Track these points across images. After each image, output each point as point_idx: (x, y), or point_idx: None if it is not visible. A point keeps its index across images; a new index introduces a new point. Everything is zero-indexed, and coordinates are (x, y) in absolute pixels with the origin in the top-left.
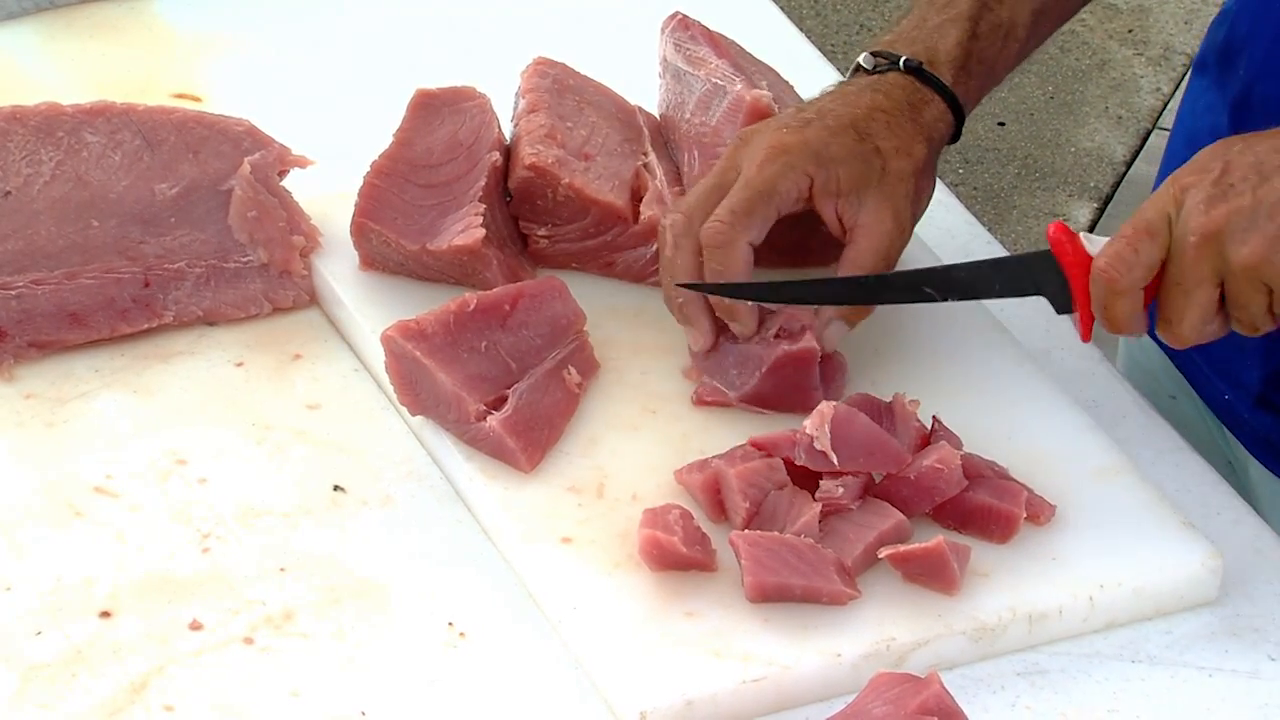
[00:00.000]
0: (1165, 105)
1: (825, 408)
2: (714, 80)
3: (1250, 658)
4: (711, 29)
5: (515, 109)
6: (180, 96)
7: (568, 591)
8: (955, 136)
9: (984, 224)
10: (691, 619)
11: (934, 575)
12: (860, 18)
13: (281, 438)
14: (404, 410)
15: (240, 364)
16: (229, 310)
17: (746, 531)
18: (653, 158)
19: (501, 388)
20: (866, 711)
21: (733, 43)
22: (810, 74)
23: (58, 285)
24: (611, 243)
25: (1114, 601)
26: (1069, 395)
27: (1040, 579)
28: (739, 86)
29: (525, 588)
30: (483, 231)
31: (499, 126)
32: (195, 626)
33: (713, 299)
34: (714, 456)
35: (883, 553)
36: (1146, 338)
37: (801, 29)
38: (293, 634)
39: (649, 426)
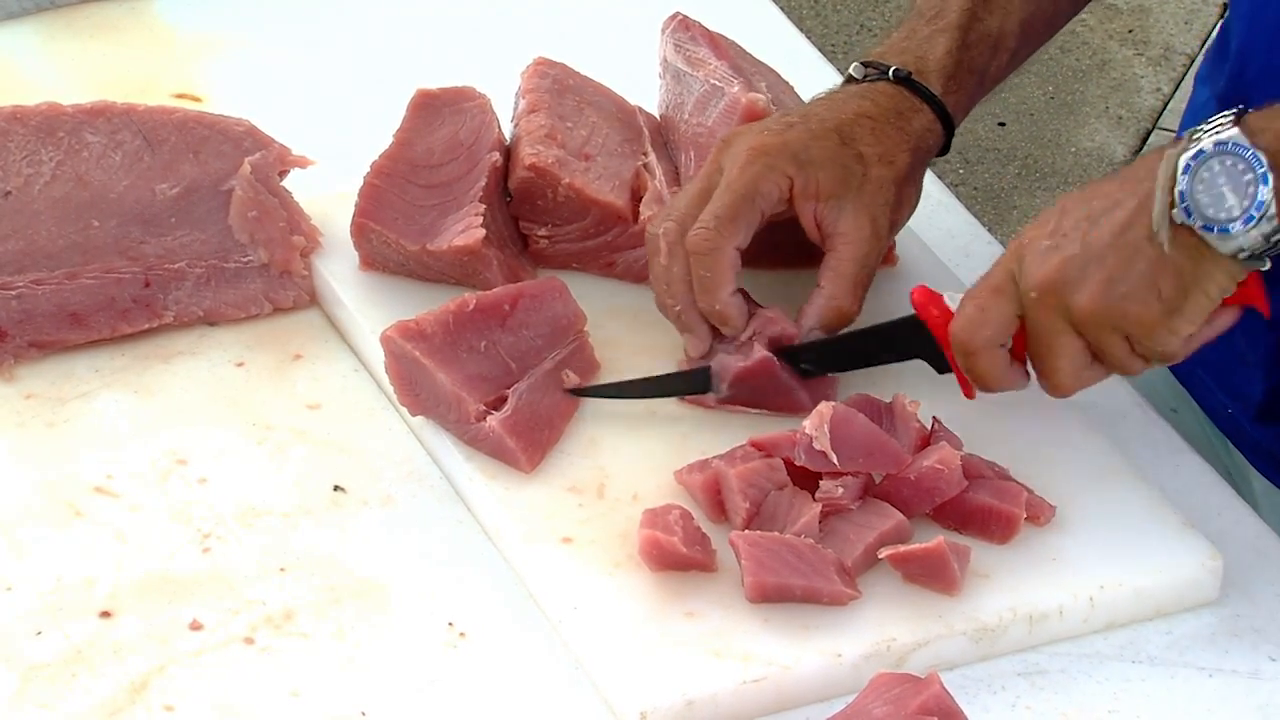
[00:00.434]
0: (1165, 105)
1: (825, 408)
2: (713, 81)
3: (1250, 658)
4: (711, 30)
5: (515, 109)
6: (181, 96)
7: (568, 591)
8: (945, 148)
9: (984, 224)
10: (692, 619)
11: (934, 576)
12: (860, 18)
13: (282, 438)
14: (404, 410)
15: (241, 364)
16: (229, 310)
17: (747, 532)
18: (652, 158)
19: (501, 388)
20: (867, 712)
21: (733, 43)
22: (810, 74)
23: (58, 285)
24: (611, 243)
25: (1114, 602)
26: (1066, 396)
27: (1040, 579)
28: (736, 88)
29: (525, 588)
30: (483, 232)
31: (499, 127)
32: (195, 626)
33: (700, 304)
34: (714, 457)
35: (883, 553)
36: None
37: (801, 29)
38: (293, 634)
39: (649, 426)
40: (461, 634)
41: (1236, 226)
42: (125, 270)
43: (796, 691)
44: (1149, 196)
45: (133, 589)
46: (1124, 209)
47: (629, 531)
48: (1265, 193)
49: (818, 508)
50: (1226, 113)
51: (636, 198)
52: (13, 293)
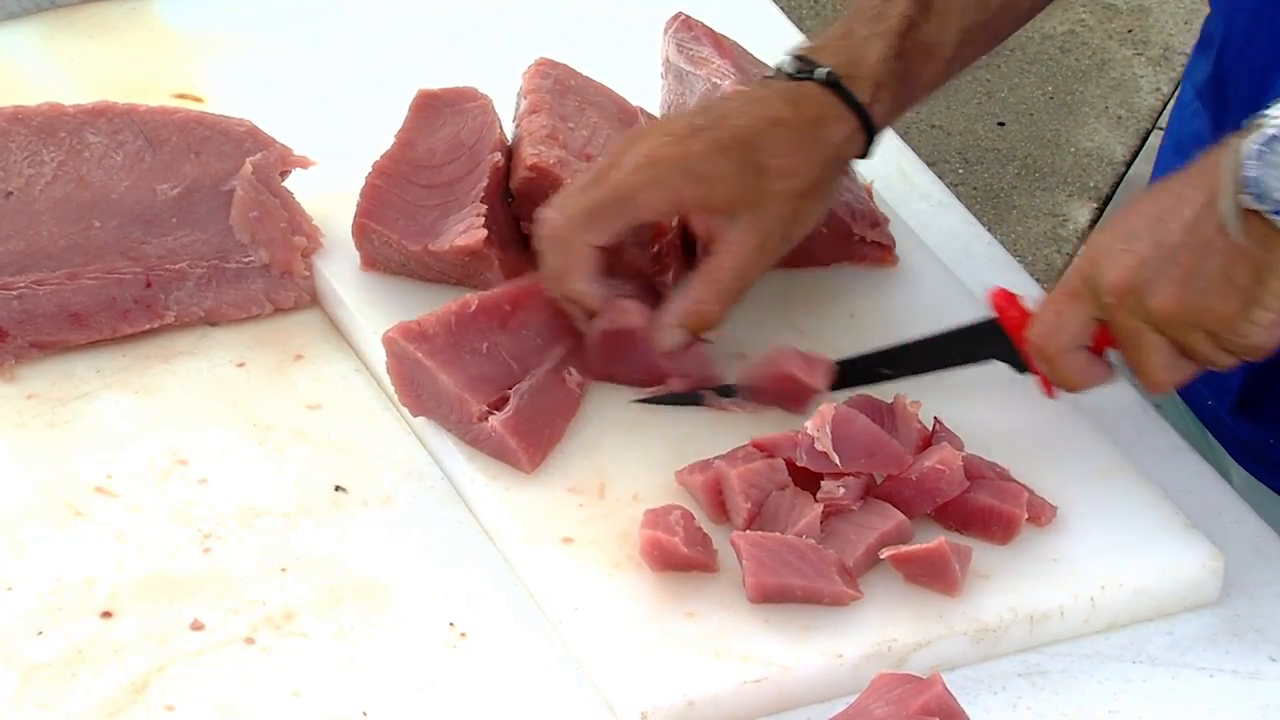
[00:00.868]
0: (1165, 105)
1: (826, 409)
2: (715, 81)
3: (1251, 658)
4: (714, 30)
5: (517, 110)
6: (182, 97)
7: (569, 592)
8: (863, 154)
9: (984, 224)
10: (692, 619)
11: (935, 576)
12: None
13: (282, 438)
14: (405, 411)
15: (241, 364)
16: (230, 310)
17: (748, 532)
18: None
19: (503, 388)
20: (868, 712)
21: (735, 43)
22: None
23: (59, 285)
24: None
25: (1115, 602)
26: (1069, 397)
27: (1041, 580)
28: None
29: (526, 588)
30: (484, 232)
31: (501, 127)
32: (196, 626)
33: (549, 288)
34: (715, 457)
35: (884, 553)
36: None
37: (801, 29)
38: (293, 634)
39: (650, 427)
40: (462, 634)
41: None
42: (126, 270)
43: (797, 692)
44: (1216, 190)
45: (133, 589)
46: (1191, 205)
47: (630, 532)
48: None
49: (819, 508)
50: None
51: None
52: (14, 293)
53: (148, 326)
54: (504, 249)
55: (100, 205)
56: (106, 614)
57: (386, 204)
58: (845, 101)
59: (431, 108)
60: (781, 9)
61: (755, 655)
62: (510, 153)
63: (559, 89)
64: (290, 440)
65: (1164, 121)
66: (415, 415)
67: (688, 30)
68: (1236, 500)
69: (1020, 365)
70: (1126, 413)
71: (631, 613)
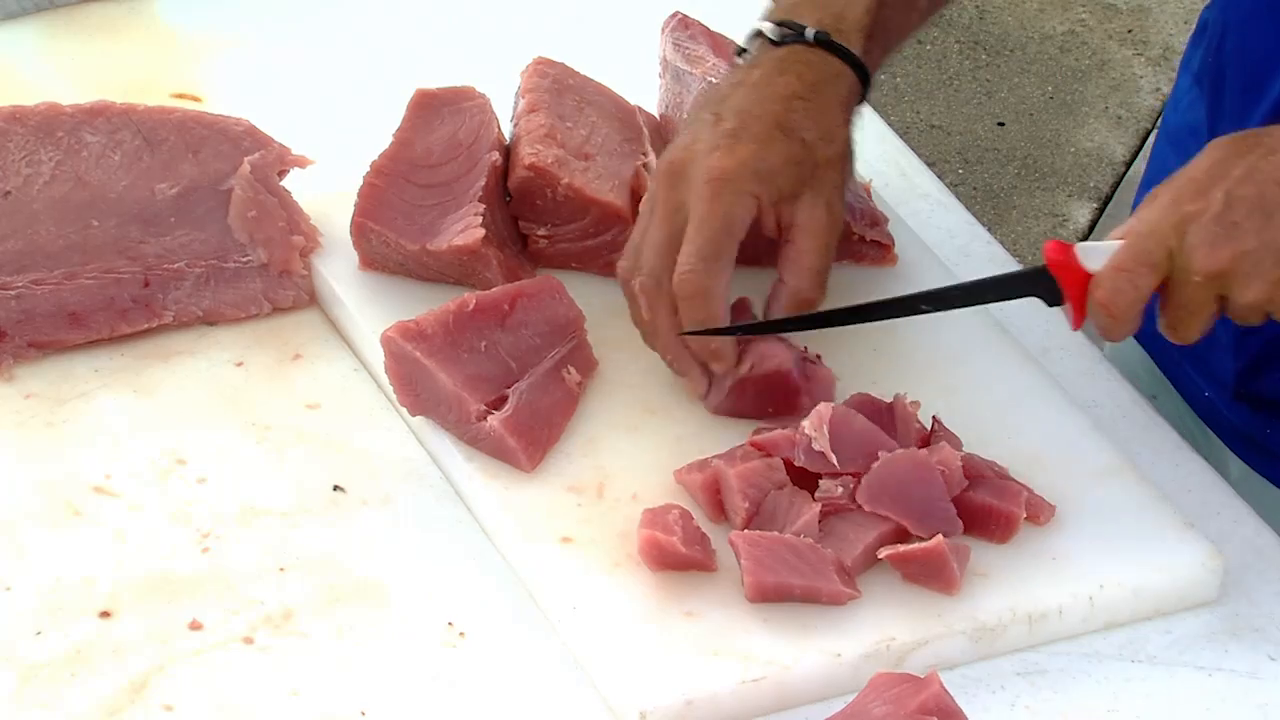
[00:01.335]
0: (1165, 105)
1: (824, 408)
2: (712, 80)
3: (1250, 658)
4: (711, 29)
5: (515, 109)
6: (180, 96)
7: (568, 591)
8: (863, 99)
9: (984, 224)
10: (691, 619)
11: (934, 575)
12: None
13: (281, 437)
14: (403, 410)
15: (240, 364)
16: (229, 310)
17: (746, 531)
18: (652, 158)
19: (501, 387)
20: (866, 711)
21: (733, 43)
22: None
23: (57, 285)
24: (611, 242)
25: (1114, 601)
26: (1069, 395)
27: (1040, 579)
28: None
29: (525, 587)
30: (482, 231)
31: (499, 126)
32: (195, 626)
33: (692, 344)
34: (714, 456)
35: (883, 553)
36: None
37: None
38: (292, 633)
39: (649, 426)
40: (461, 634)
41: None
42: (124, 270)
43: (796, 691)
44: None
45: (132, 589)
46: None
47: (629, 531)
48: None
49: (817, 507)
50: None
51: (636, 197)
52: (12, 293)
53: (146, 326)
54: (502, 248)
55: (98, 205)
56: (106, 614)
57: (385, 203)
58: (839, 56)
59: (429, 107)
60: None
61: (754, 654)
62: (508, 152)
63: (557, 88)
64: (289, 440)
65: None
66: (414, 414)
67: (685, 29)
68: (1236, 500)
69: (1054, 300)
70: (1126, 413)
71: (630, 612)
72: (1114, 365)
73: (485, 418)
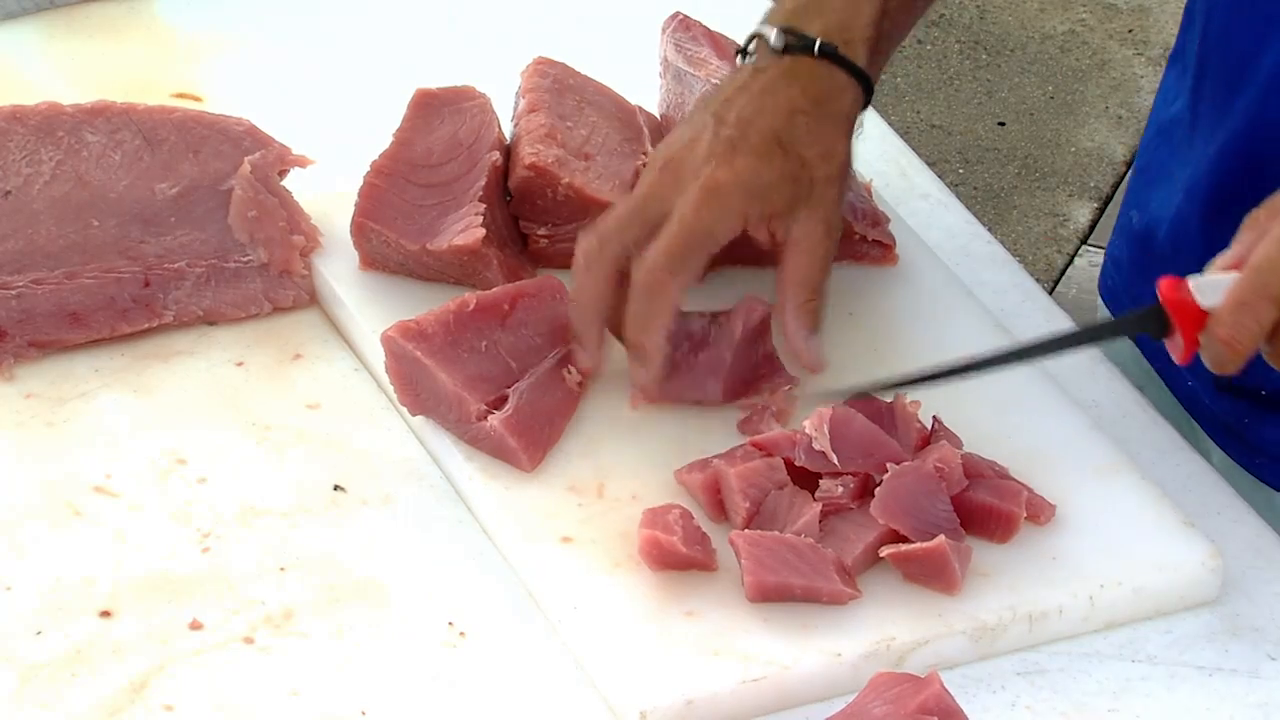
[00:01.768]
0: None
1: (824, 408)
2: (714, 81)
3: (1250, 657)
4: (712, 29)
5: (515, 109)
6: (180, 96)
7: (568, 591)
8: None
9: (984, 224)
10: (691, 619)
11: (935, 575)
12: None
13: (281, 437)
14: (404, 410)
15: (240, 364)
16: (229, 310)
17: (747, 531)
18: None
19: (502, 387)
20: (866, 711)
21: (733, 43)
22: None
23: (58, 285)
24: None
25: (1114, 601)
26: (1069, 395)
27: (1040, 579)
28: None
29: (525, 587)
30: (483, 231)
31: (499, 126)
32: (195, 626)
33: (628, 335)
34: (714, 456)
35: (884, 552)
36: None
37: None
38: (293, 633)
39: (649, 426)
40: (461, 633)
41: None
42: (125, 270)
43: (796, 691)
44: None
45: (133, 589)
46: None
47: (629, 531)
48: None
49: (818, 507)
50: None
51: None
52: (12, 292)
53: (146, 326)
54: (502, 248)
55: (98, 204)
56: (106, 613)
57: (385, 203)
58: (844, 69)
59: (430, 107)
60: None
61: (754, 654)
62: (508, 152)
63: (557, 88)
64: (289, 440)
65: None
66: (414, 414)
67: (685, 30)
68: (1236, 499)
69: (1161, 335)
70: (1126, 412)
71: (631, 612)
72: (1105, 353)
73: (486, 417)
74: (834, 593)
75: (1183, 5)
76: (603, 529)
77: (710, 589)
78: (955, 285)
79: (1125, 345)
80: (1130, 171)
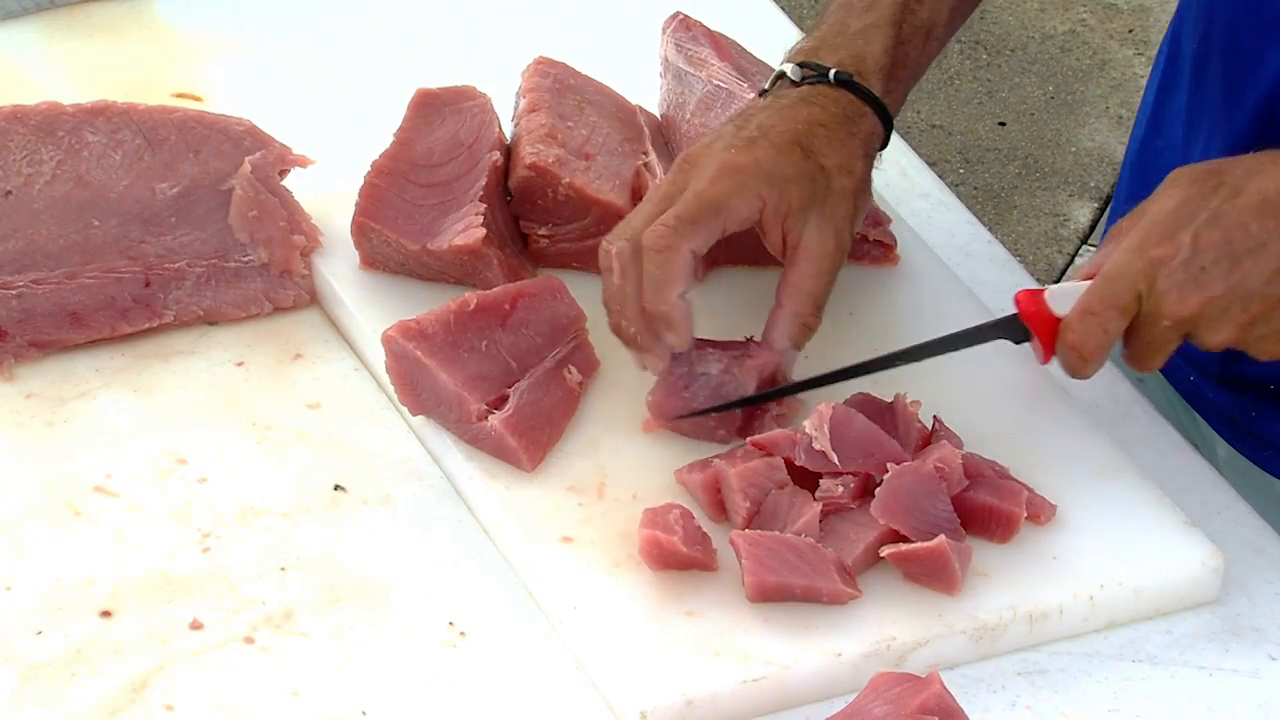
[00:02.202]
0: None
1: (824, 408)
2: (715, 82)
3: (1251, 657)
4: (712, 29)
5: (516, 108)
6: (181, 96)
7: (568, 591)
8: (884, 144)
9: (984, 224)
10: (692, 618)
11: (935, 575)
12: None
13: (282, 437)
14: (404, 410)
15: (241, 363)
16: (229, 310)
17: (747, 531)
18: (653, 157)
19: (502, 387)
20: (867, 711)
21: (734, 43)
22: None
23: (58, 285)
24: None
25: (1114, 601)
26: (1069, 395)
27: (1041, 578)
28: (749, 94)
29: (526, 587)
30: (483, 231)
31: (499, 126)
32: (195, 626)
33: (647, 304)
34: (714, 456)
35: (884, 552)
36: None
37: (802, 29)
38: (293, 633)
39: None
40: (461, 633)
41: None
42: (125, 270)
43: (796, 691)
44: None
45: (133, 588)
46: (1270, 253)
47: (629, 531)
48: None
49: (818, 507)
50: None
51: (637, 197)
52: (13, 292)
53: (147, 326)
54: (503, 248)
55: (99, 204)
56: (106, 613)
57: (385, 203)
58: (861, 97)
59: (430, 107)
60: (781, 8)
61: (754, 654)
62: (509, 151)
63: (558, 88)
64: (289, 439)
65: None
66: (414, 414)
67: (686, 30)
68: (1237, 499)
69: (1020, 339)
70: (1126, 413)
71: (631, 612)
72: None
73: (486, 417)
74: (834, 592)
75: None
76: (603, 529)
77: (710, 589)
78: (955, 285)
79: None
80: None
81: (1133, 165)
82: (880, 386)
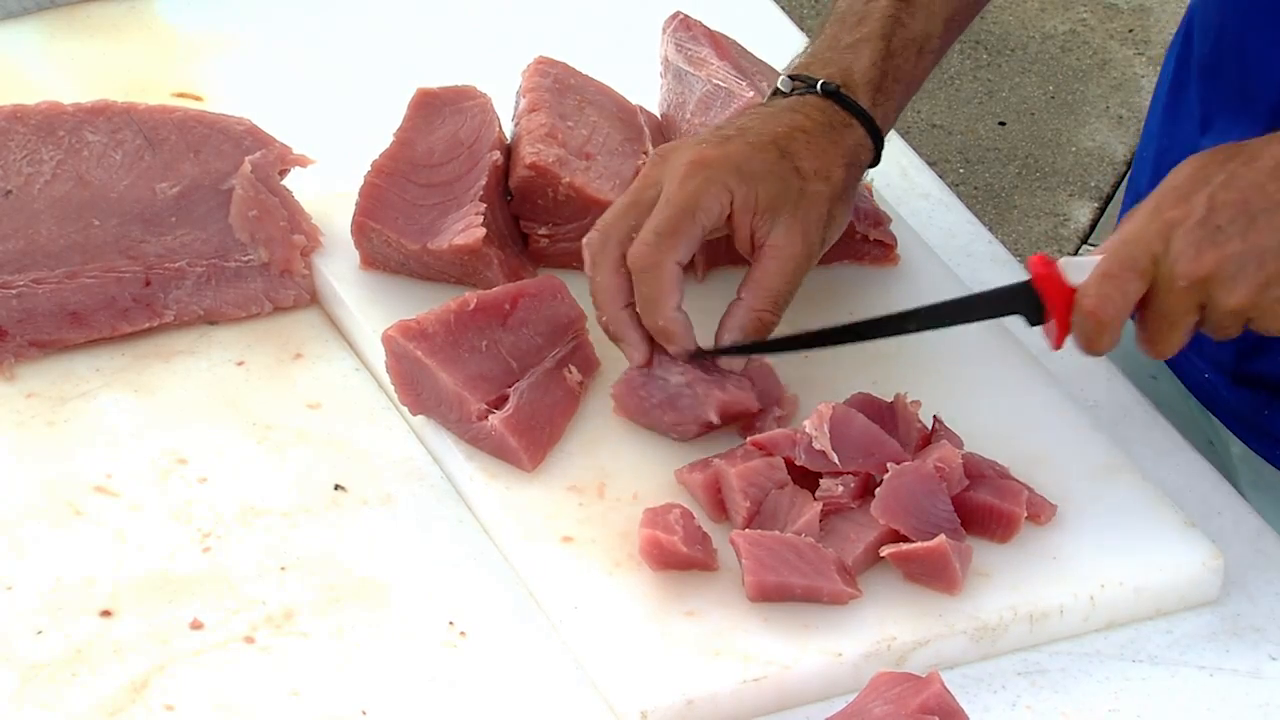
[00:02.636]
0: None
1: (824, 408)
2: (715, 81)
3: (1251, 657)
4: (712, 29)
5: (516, 108)
6: (181, 96)
7: (568, 591)
8: (875, 160)
9: (984, 223)
10: (692, 618)
11: (936, 575)
12: None
13: (282, 437)
14: (404, 409)
15: (241, 363)
16: (230, 309)
17: (747, 531)
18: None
19: (502, 387)
20: (867, 711)
21: (734, 43)
22: None
23: (58, 284)
24: None
25: (1115, 601)
26: (1069, 395)
27: (1041, 578)
28: (749, 92)
29: (526, 587)
30: (483, 231)
31: (500, 126)
32: (196, 625)
33: (645, 322)
34: (714, 456)
35: (884, 552)
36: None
37: (802, 29)
38: (293, 633)
39: None
40: (462, 633)
41: None
42: (125, 269)
43: (797, 691)
44: None
45: (133, 588)
46: None
47: (629, 531)
48: None
49: (818, 506)
50: None
51: None
52: (13, 292)
53: (147, 325)
54: (503, 247)
55: (99, 204)
56: (106, 613)
57: (385, 203)
58: (849, 110)
59: (430, 106)
60: (781, 8)
61: (755, 654)
62: (509, 151)
63: (558, 87)
64: (290, 439)
65: None
66: (415, 414)
67: (686, 30)
68: (1237, 499)
69: (1036, 320)
70: (1126, 412)
71: (631, 612)
72: (1115, 349)
73: (486, 417)
74: (834, 592)
75: (1183, 5)
76: (603, 529)
77: (711, 589)
78: (955, 285)
79: (1131, 341)
80: (1128, 171)
81: (1142, 163)
82: (880, 386)
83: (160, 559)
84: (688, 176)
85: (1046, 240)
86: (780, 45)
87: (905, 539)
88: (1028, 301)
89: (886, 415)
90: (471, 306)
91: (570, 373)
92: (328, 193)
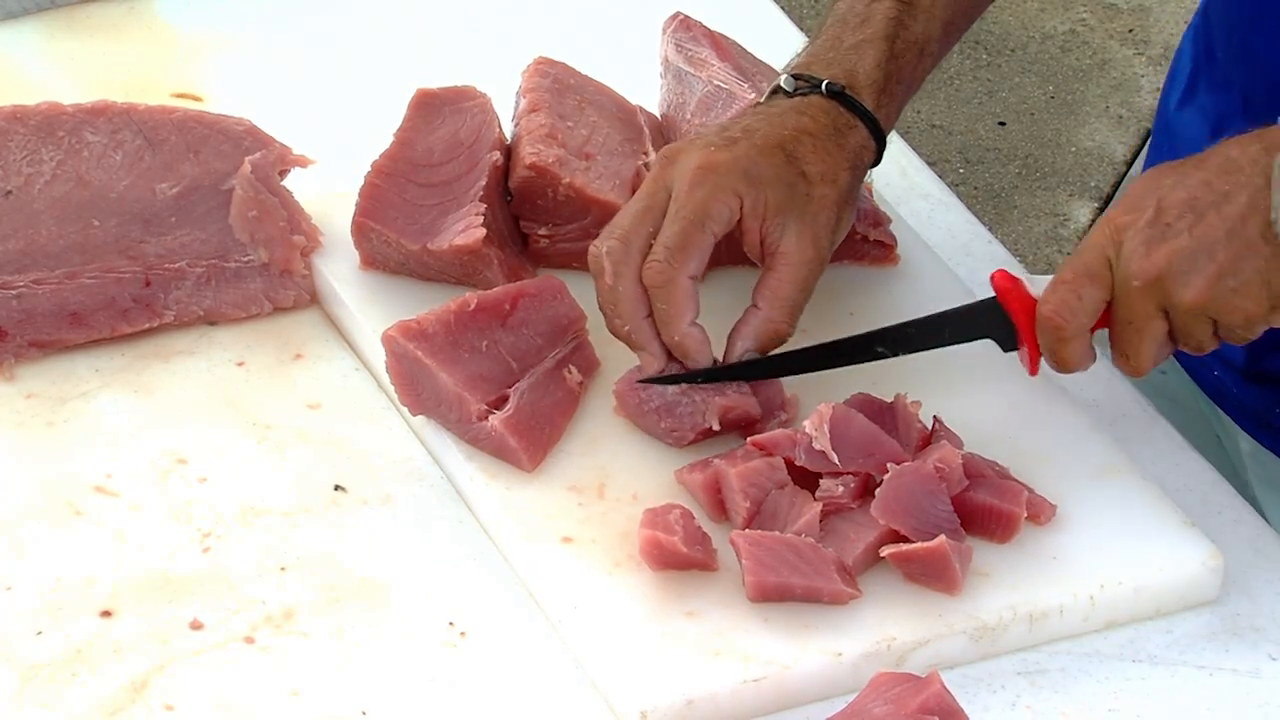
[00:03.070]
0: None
1: (824, 408)
2: (715, 82)
3: (1251, 657)
4: (712, 29)
5: (516, 108)
6: (181, 96)
7: (568, 591)
8: (876, 161)
9: (984, 224)
10: (692, 618)
11: (936, 575)
12: None
13: (282, 437)
14: (404, 410)
15: (241, 363)
16: (230, 310)
17: (747, 531)
18: (653, 157)
19: (502, 387)
20: (867, 711)
21: (734, 43)
22: None
23: (58, 285)
24: None
25: (1114, 601)
26: (1069, 395)
27: (1041, 578)
28: (749, 94)
29: (526, 587)
30: (483, 231)
31: (500, 126)
32: (196, 626)
33: (663, 337)
34: (714, 456)
35: (884, 552)
36: None
37: (802, 29)
38: (293, 633)
39: None
40: (462, 633)
41: None
42: (125, 270)
43: (797, 691)
44: (1260, 191)
45: (133, 588)
46: (1234, 203)
47: (629, 531)
48: None
49: (818, 507)
50: None
51: None
52: (13, 292)
53: (147, 326)
54: (503, 248)
55: (99, 204)
56: (106, 613)
57: (385, 203)
58: (852, 110)
59: (430, 106)
60: (781, 8)
61: (755, 654)
62: (509, 151)
63: (558, 88)
64: (290, 439)
65: None
66: (415, 414)
67: (686, 30)
68: (1237, 499)
69: (1009, 345)
70: (1126, 413)
71: (631, 612)
72: (1087, 366)
73: (486, 417)
74: (834, 592)
75: (1183, 5)
76: (603, 529)
77: (711, 589)
78: (955, 284)
79: None
80: (1128, 171)
81: (1149, 164)
82: (880, 387)
83: (160, 559)
84: (695, 184)
85: (1046, 240)
86: (780, 45)
87: (905, 539)
88: (996, 319)
89: (886, 415)
90: (471, 307)
91: (570, 373)
92: (328, 193)
